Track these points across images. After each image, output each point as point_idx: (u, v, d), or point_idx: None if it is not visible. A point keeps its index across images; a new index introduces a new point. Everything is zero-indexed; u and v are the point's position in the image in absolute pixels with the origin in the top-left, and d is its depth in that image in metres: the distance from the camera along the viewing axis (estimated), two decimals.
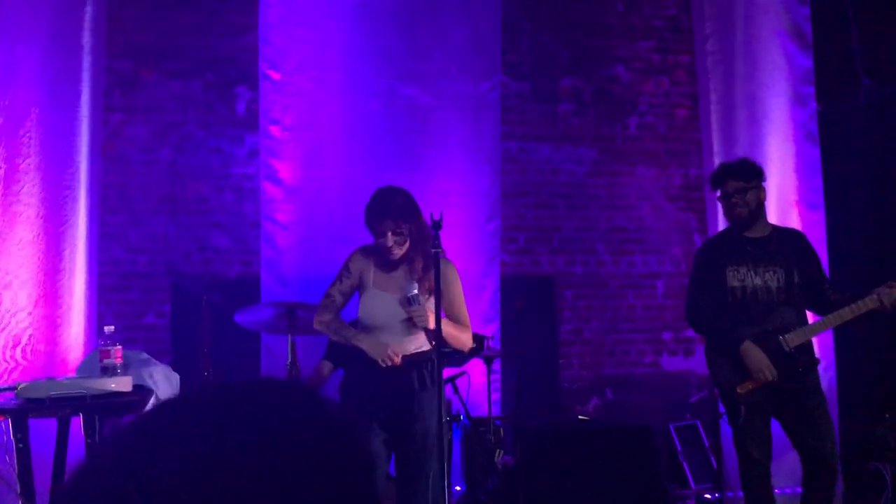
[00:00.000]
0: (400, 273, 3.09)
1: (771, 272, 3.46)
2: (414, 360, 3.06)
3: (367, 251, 3.16)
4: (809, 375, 3.44)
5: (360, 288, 3.15)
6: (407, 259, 3.07)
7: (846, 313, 3.35)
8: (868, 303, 3.30)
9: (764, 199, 3.53)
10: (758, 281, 3.45)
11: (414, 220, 3.04)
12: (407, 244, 3.03)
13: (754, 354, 3.34)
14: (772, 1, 5.00)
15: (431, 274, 2.97)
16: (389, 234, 2.99)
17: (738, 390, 3.41)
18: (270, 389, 0.67)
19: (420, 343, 3.10)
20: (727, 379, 3.47)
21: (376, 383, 3.02)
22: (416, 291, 3.00)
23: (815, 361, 3.47)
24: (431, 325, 2.98)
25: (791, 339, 3.38)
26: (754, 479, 3.49)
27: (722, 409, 5.28)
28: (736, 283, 3.45)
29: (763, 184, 3.52)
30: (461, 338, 3.15)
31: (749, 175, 3.48)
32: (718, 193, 3.55)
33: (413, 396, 3.02)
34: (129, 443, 0.62)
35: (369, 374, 3.03)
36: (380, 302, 3.06)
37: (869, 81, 5.16)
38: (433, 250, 2.91)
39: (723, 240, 3.62)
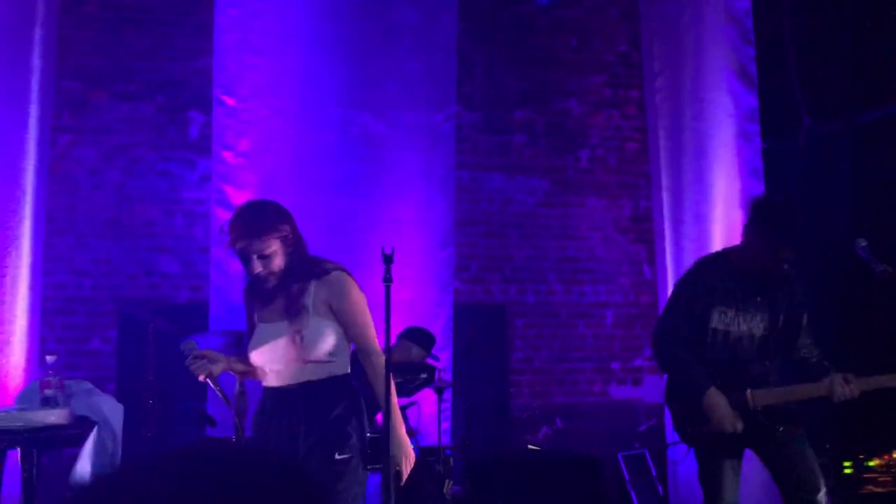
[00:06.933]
0: (280, 300, 2.69)
1: (759, 318, 3.17)
2: (303, 392, 2.67)
3: (252, 283, 2.76)
4: (775, 436, 3.15)
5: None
6: (282, 283, 2.66)
7: (796, 391, 3.16)
8: (820, 389, 3.10)
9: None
10: (744, 328, 3.16)
11: (279, 235, 2.65)
12: (278, 265, 2.64)
13: (718, 403, 3.05)
14: (719, 41, 5.15)
15: (305, 295, 2.66)
16: (255, 256, 2.61)
17: (689, 430, 3.20)
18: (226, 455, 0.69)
19: (311, 373, 2.68)
20: (680, 415, 3.26)
21: (270, 414, 2.70)
22: (190, 338, 2.65)
23: (776, 427, 3.14)
24: (216, 372, 2.64)
25: (757, 397, 3.11)
26: None
27: (670, 438, 5.38)
28: (720, 327, 3.16)
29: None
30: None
31: None
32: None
33: (299, 429, 2.65)
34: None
35: (262, 406, 2.73)
36: (263, 335, 2.69)
37: (810, 120, 5.34)
38: (332, 269, 2.66)
39: (716, 272, 3.22)
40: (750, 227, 3.14)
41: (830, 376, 3.11)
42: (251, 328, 2.80)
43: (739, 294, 3.16)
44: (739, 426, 3.05)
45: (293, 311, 2.65)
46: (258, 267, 2.62)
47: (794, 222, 3.10)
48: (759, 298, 3.18)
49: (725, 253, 3.34)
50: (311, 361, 2.67)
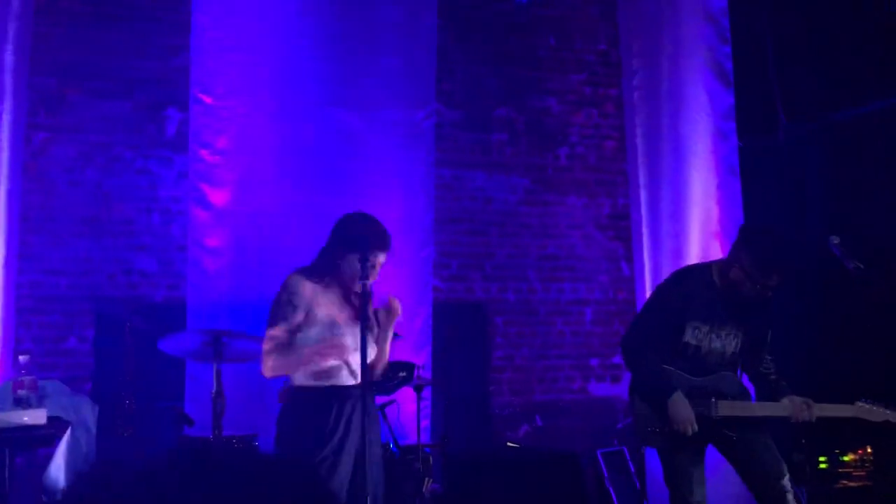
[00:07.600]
0: (354, 306, 2.99)
1: (732, 336, 3.27)
2: (369, 391, 2.95)
3: (309, 275, 2.96)
4: (734, 444, 3.25)
5: (307, 318, 2.91)
6: (371, 291, 2.99)
7: (758, 409, 3.28)
8: (782, 409, 3.22)
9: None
10: (716, 344, 3.25)
11: None
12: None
13: (681, 409, 3.13)
14: (696, 39, 5.19)
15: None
16: (378, 266, 2.95)
17: (649, 430, 3.26)
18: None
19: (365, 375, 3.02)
20: (643, 416, 3.31)
21: (348, 412, 2.92)
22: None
23: (732, 436, 3.22)
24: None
25: (721, 407, 3.21)
26: None
27: None
28: (692, 342, 3.23)
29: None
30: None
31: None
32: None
33: (369, 425, 2.92)
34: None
35: (331, 405, 2.93)
36: (349, 335, 2.92)
37: (786, 119, 5.38)
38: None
39: (695, 287, 3.26)
40: (741, 253, 3.17)
41: (789, 396, 3.25)
42: (313, 321, 2.90)
43: (716, 311, 3.23)
44: (696, 429, 3.15)
45: (370, 318, 2.97)
46: (375, 275, 2.95)
47: (788, 255, 3.16)
48: (734, 317, 3.25)
49: (706, 267, 3.36)
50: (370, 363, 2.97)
